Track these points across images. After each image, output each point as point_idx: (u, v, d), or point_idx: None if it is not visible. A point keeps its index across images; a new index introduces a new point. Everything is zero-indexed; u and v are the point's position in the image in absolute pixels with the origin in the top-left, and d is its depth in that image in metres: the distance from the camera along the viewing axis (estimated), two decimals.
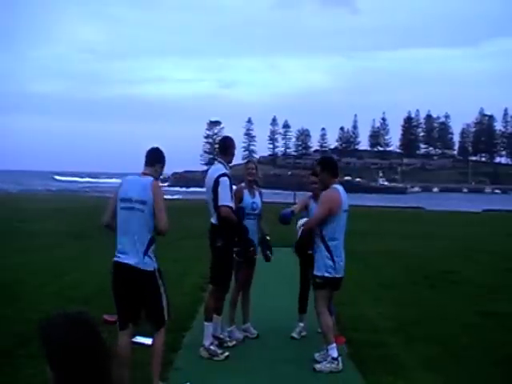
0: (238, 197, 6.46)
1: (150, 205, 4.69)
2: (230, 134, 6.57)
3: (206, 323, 6.05)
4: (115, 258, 4.75)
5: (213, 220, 6.00)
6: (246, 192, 6.69)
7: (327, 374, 5.56)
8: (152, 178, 4.83)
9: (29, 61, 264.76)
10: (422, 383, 5.36)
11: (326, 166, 5.99)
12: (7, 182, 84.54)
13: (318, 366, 5.67)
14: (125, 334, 4.77)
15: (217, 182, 5.85)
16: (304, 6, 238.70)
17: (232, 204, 5.93)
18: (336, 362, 5.64)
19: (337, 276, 5.82)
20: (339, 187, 5.88)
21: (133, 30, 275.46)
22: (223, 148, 6.24)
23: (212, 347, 5.96)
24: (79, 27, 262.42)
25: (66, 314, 1.79)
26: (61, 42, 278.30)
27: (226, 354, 5.97)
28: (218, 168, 6.04)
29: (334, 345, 5.71)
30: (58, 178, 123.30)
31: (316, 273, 5.84)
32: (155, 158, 5.03)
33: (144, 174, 4.92)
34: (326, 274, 5.77)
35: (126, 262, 4.66)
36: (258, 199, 6.74)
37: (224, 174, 5.89)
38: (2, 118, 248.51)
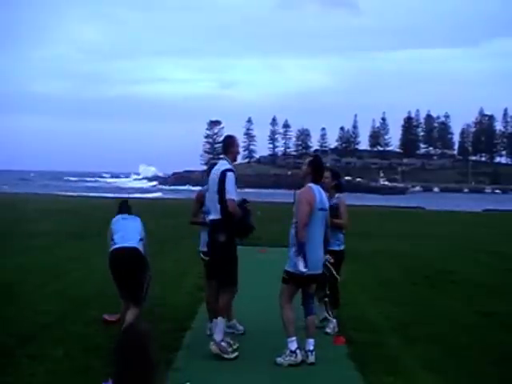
0: None
1: None
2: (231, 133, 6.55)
3: (219, 318, 5.91)
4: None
5: (213, 216, 6.00)
6: None
7: (325, 373, 5.58)
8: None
9: (30, 61, 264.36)
10: (421, 383, 5.36)
11: (314, 169, 5.93)
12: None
13: (278, 360, 5.73)
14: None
15: (223, 175, 5.90)
16: (305, 7, 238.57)
17: (237, 198, 5.97)
18: (294, 355, 5.70)
19: (306, 273, 5.67)
20: (315, 186, 5.85)
21: (133, 31, 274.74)
22: (224, 147, 6.33)
23: (223, 343, 5.88)
24: (79, 27, 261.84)
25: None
26: (61, 43, 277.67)
27: (236, 354, 5.89)
28: (223, 163, 6.12)
29: (294, 338, 5.74)
30: (71, 178, 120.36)
31: (286, 268, 5.83)
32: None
33: None
34: (294, 271, 5.72)
35: None
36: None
37: (230, 169, 5.98)
38: (3, 118, 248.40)
